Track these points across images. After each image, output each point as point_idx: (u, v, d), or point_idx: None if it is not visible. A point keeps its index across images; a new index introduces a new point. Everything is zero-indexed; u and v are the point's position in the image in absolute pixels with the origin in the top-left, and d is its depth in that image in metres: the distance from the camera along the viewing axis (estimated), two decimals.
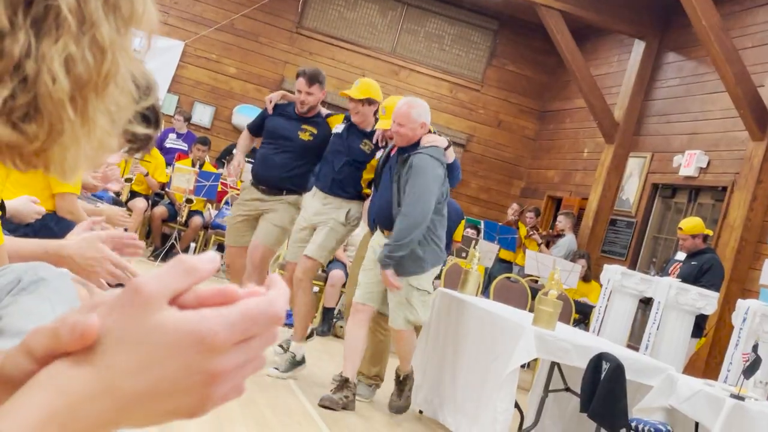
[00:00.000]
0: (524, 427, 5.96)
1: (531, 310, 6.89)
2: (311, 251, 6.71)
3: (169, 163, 12.16)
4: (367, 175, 6.83)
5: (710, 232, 9.64)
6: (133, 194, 11.68)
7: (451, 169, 6.13)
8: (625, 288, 8.29)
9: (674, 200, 11.99)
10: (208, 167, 12.46)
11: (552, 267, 8.10)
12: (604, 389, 5.08)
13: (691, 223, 9.13)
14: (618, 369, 5.06)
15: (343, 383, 6.06)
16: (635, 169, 12.69)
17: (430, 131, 6.14)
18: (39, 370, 0.75)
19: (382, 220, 6.18)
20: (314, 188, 6.92)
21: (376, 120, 6.77)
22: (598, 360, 5.25)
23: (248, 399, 5.48)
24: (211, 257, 0.78)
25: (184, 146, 13.00)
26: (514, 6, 14.69)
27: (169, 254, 11.54)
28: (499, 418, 5.33)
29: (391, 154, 6.27)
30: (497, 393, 5.40)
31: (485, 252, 11.28)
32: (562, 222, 12.68)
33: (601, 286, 9.29)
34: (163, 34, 13.54)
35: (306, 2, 15.80)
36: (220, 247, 12.40)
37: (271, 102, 7.18)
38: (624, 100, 13.03)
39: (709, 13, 10.28)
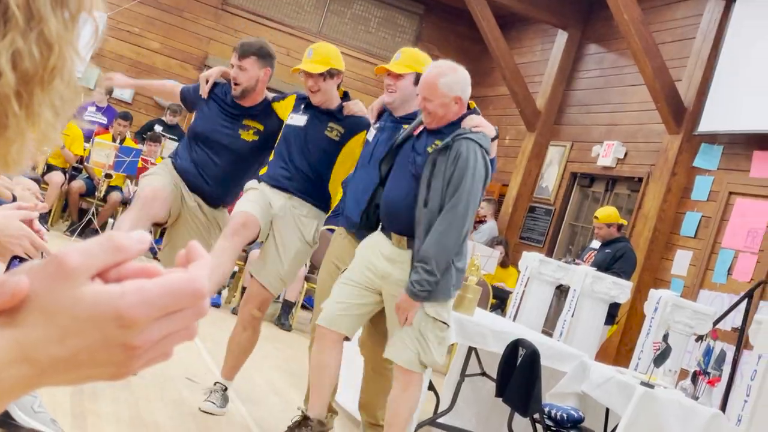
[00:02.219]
0: (440, 410, 6.00)
1: None
2: (268, 280, 5.21)
3: (88, 137, 11.98)
4: (339, 171, 5.31)
5: (625, 222, 9.84)
6: (50, 167, 11.47)
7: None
8: (542, 275, 8.41)
9: (592, 189, 12.18)
10: (129, 142, 12.31)
11: (472, 253, 8.19)
12: (519, 375, 5.14)
13: (606, 213, 9.32)
14: (533, 355, 5.13)
15: (301, 422, 4.84)
16: (555, 157, 12.85)
17: (469, 107, 4.67)
18: None
19: (397, 221, 4.61)
20: (265, 185, 5.29)
21: (346, 97, 5.35)
22: (514, 346, 5.31)
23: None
24: (141, 237, 0.78)
25: (104, 120, 12.81)
26: None
27: (86, 229, 11.40)
28: None
29: (414, 134, 4.69)
30: None
31: None
32: (484, 208, 12.78)
33: (518, 271, 9.42)
34: None
35: None
36: None
37: (207, 82, 5.46)
38: (546, 89, 13.18)
39: (630, 6, 10.44)
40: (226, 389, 5.26)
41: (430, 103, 4.49)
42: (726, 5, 10.09)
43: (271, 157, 5.33)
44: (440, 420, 5.85)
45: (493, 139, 4.59)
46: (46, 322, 0.74)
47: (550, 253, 11.65)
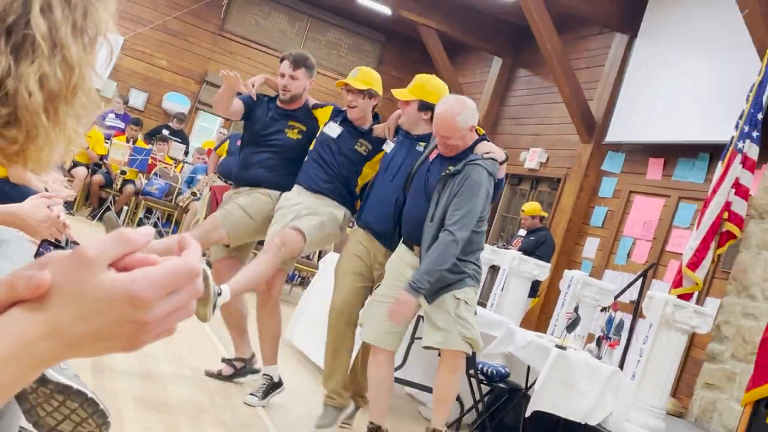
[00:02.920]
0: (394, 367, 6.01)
1: None
2: (301, 223, 4.62)
3: (107, 139, 11.89)
4: (362, 179, 4.85)
5: (546, 214, 9.91)
6: (75, 164, 11.41)
7: (496, 186, 4.31)
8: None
9: (519, 187, 12.24)
10: (140, 143, 12.25)
11: None
12: None
13: (531, 206, 9.38)
14: None
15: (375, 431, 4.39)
16: None
17: (477, 133, 4.33)
18: None
19: (416, 234, 4.27)
20: (298, 187, 4.81)
21: (376, 118, 4.88)
22: None
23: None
24: (145, 231, 0.79)
25: (121, 125, 12.69)
26: (399, 23, 14.72)
27: (104, 215, 11.31)
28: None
29: (430, 158, 4.36)
30: None
31: None
32: None
33: None
34: None
35: (228, 10, 15.55)
36: (149, 211, 12.23)
37: (253, 86, 4.99)
38: (484, 106, 13.19)
39: (552, 39, 10.50)
40: (271, 378, 4.86)
41: (451, 139, 4.17)
42: (629, 40, 10.18)
43: (306, 160, 4.87)
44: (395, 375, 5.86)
45: (501, 163, 4.28)
46: (72, 304, 0.75)
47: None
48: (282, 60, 4.95)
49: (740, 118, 6.54)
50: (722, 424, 6.42)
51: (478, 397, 5.41)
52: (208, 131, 15.75)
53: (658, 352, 4.85)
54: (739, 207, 6.47)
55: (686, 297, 6.18)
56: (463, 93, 13.52)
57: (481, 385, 5.42)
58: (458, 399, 5.45)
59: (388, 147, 4.61)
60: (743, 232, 6.62)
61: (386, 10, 13.99)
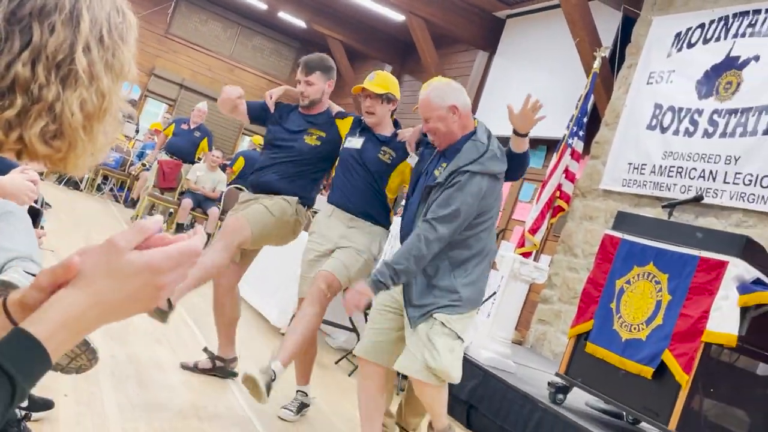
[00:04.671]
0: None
1: None
2: (333, 267, 3.50)
3: None
4: (390, 188, 3.68)
5: None
6: None
7: (515, 164, 3.16)
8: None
9: None
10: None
11: None
12: None
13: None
14: None
15: None
16: None
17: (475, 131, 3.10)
18: (47, 298, 0.78)
19: None
20: (330, 206, 3.71)
21: (396, 124, 3.78)
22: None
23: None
24: (156, 219, 0.82)
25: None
26: (311, 33, 14.52)
27: (68, 180, 10.82)
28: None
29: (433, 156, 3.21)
30: None
31: None
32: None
33: None
34: None
35: (173, 16, 15.00)
36: (105, 178, 11.78)
37: (271, 98, 3.98)
38: None
39: (431, 52, 10.59)
40: (306, 395, 3.76)
41: (430, 122, 3.07)
42: (489, 57, 10.34)
43: (333, 179, 3.80)
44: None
45: (524, 135, 3.13)
46: (109, 279, 0.78)
47: None
48: (298, 66, 3.97)
49: (570, 120, 6.78)
50: (551, 350, 6.73)
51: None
52: (154, 115, 15.23)
53: (507, 297, 4.98)
54: (568, 188, 6.72)
55: (527, 255, 6.40)
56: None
57: None
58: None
59: (412, 161, 3.57)
60: (570, 206, 6.90)
61: (302, 23, 13.82)
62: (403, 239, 3.15)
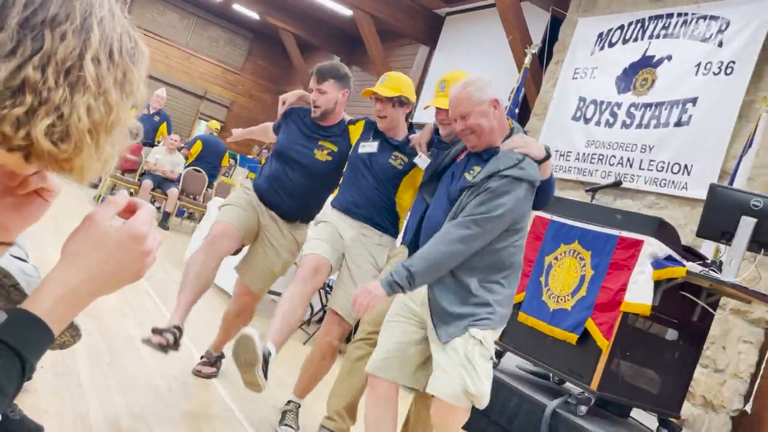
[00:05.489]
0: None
1: None
2: (346, 310, 3.03)
3: None
4: (402, 197, 3.20)
5: None
6: None
7: (541, 189, 2.54)
8: None
9: None
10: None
11: None
12: None
13: None
14: None
15: None
16: None
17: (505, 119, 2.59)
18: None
19: None
20: (334, 211, 3.25)
21: (410, 128, 3.29)
22: None
23: None
24: (122, 193, 0.84)
25: None
26: (264, 25, 14.27)
27: None
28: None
29: (458, 159, 2.66)
30: None
31: (241, 173, 11.13)
32: None
33: None
34: None
35: (131, 7, 14.51)
36: None
37: (284, 104, 3.51)
38: None
39: (377, 45, 10.53)
40: (299, 407, 3.22)
41: (470, 118, 2.49)
42: (429, 51, 10.35)
43: (341, 182, 3.33)
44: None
45: (543, 160, 2.51)
46: (95, 252, 0.79)
47: None
48: (311, 74, 3.41)
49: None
50: None
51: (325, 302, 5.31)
52: None
53: None
54: None
55: None
56: (309, 81, 13.40)
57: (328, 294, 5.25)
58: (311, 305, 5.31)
59: (422, 163, 3.06)
60: None
61: (255, 15, 13.51)
62: (408, 244, 2.79)
